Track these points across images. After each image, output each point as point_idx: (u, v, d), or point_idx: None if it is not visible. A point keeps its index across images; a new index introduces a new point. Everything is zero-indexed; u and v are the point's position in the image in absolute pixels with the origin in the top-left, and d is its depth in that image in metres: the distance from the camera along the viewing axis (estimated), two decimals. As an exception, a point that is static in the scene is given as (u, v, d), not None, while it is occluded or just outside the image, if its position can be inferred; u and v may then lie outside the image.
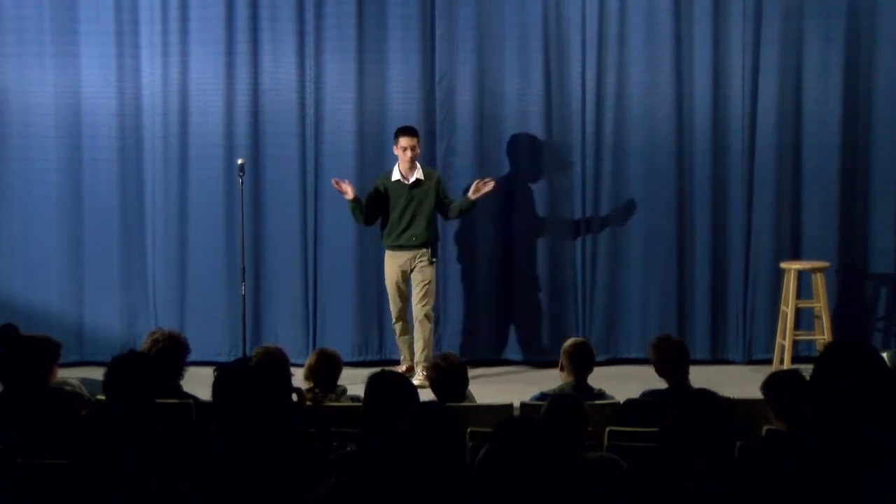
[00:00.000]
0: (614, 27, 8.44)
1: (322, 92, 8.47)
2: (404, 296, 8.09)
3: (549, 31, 8.46)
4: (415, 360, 8.01)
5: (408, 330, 8.12)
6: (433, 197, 7.98)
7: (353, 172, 8.47)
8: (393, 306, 8.10)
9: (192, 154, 8.49)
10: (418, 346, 7.98)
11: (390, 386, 4.05)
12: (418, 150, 7.97)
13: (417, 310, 7.99)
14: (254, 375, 3.90)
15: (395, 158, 8.47)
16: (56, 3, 8.36)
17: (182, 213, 8.52)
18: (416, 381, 7.80)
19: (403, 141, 7.91)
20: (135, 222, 8.55)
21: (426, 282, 7.99)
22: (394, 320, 8.14)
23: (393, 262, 8.05)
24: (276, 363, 5.14)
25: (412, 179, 7.96)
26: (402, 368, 8.00)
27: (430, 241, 8.03)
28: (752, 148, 8.51)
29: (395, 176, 7.98)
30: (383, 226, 8.08)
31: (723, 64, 8.46)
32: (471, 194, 7.95)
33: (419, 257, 7.99)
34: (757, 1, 8.40)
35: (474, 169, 8.27)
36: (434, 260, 8.07)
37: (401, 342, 8.14)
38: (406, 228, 7.97)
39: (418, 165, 7.99)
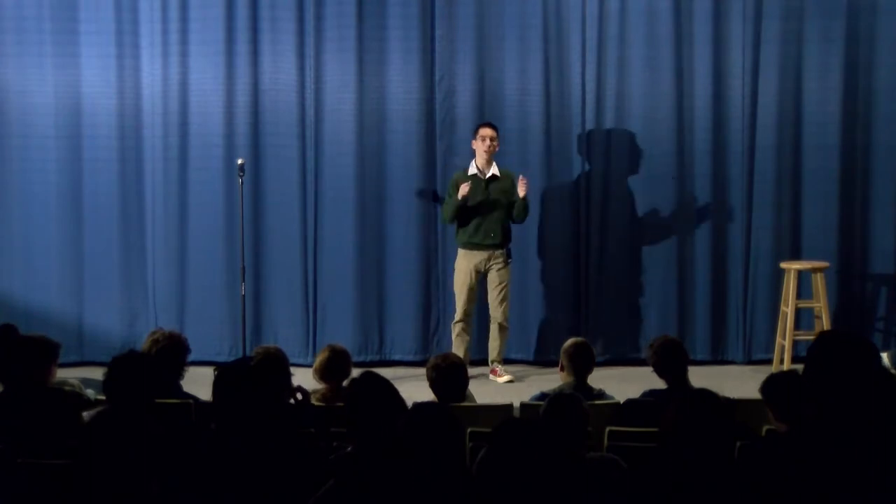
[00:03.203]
0: (614, 27, 8.45)
1: (322, 92, 8.47)
2: (475, 296, 8.05)
3: (549, 31, 8.46)
4: (490, 360, 8.05)
5: (468, 331, 8.06)
6: (508, 195, 7.94)
7: (353, 172, 8.49)
8: (461, 306, 8.01)
9: (192, 154, 8.49)
10: (495, 345, 8.03)
11: (375, 387, 4.00)
12: (497, 146, 7.96)
13: (497, 314, 7.99)
14: (254, 375, 3.90)
15: (394, 159, 8.52)
16: (56, 3, 8.36)
17: (182, 213, 8.52)
18: (501, 380, 7.83)
19: (484, 131, 7.91)
20: (135, 222, 8.55)
21: (503, 284, 7.98)
22: (457, 319, 8.05)
23: (467, 262, 7.99)
24: (276, 363, 5.14)
25: (489, 174, 7.94)
26: None
27: (505, 241, 8.01)
28: (752, 148, 8.52)
29: (472, 170, 7.96)
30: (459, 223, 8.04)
31: (723, 64, 8.46)
32: (519, 192, 7.88)
33: (495, 258, 7.97)
34: (757, 1, 8.41)
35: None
36: (510, 261, 8.05)
37: (458, 342, 8.01)
38: (481, 225, 7.94)
39: (494, 163, 7.98)
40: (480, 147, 7.92)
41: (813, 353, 3.52)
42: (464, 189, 7.82)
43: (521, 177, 7.91)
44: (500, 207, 7.95)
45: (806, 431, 3.54)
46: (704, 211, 8.57)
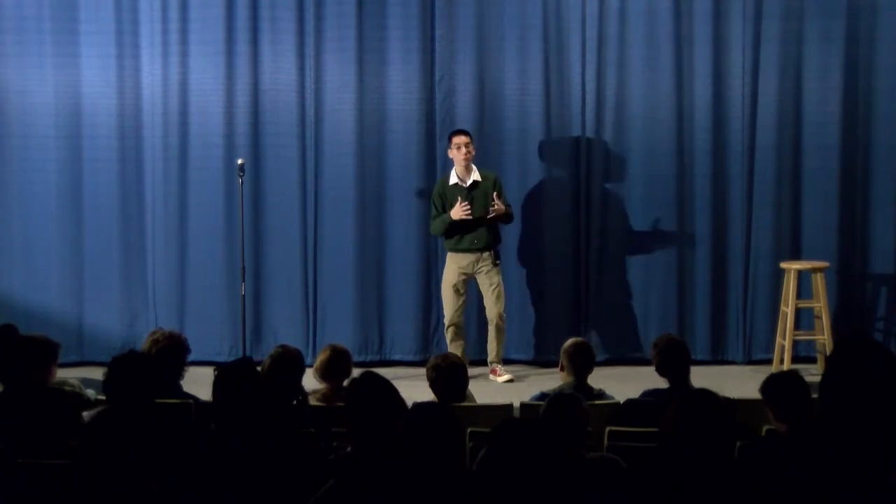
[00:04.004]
0: (614, 27, 8.45)
1: (322, 92, 8.47)
2: (461, 299, 8.03)
3: (549, 31, 8.46)
4: (489, 361, 8.06)
5: (460, 335, 8.05)
6: (491, 198, 7.91)
7: (353, 172, 8.49)
8: (447, 310, 8.01)
9: (192, 154, 8.49)
10: (493, 346, 8.03)
11: (375, 387, 3.99)
12: (473, 151, 7.94)
13: (493, 314, 7.99)
14: (254, 375, 3.90)
15: (394, 159, 8.53)
16: (56, 3, 8.36)
17: (182, 213, 8.52)
18: (501, 380, 7.83)
19: (457, 139, 7.89)
20: (135, 222, 8.55)
21: (495, 285, 7.97)
22: (446, 324, 8.03)
23: (454, 265, 7.99)
24: (289, 364, 5.13)
25: (469, 181, 7.93)
26: None
27: (492, 244, 7.99)
28: (752, 148, 8.52)
29: (453, 179, 7.95)
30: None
31: (723, 64, 8.46)
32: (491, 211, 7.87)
33: (482, 261, 7.95)
34: (757, 1, 8.41)
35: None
36: (498, 262, 8.03)
37: (452, 348, 7.95)
38: (466, 233, 7.92)
39: (474, 167, 7.97)
40: (458, 156, 7.90)
41: (834, 358, 3.51)
42: (459, 213, 7.79)
43: (494, 206, 7.85)
44: (483, 212, 7.92)
45: (806, 431, 3.54)
46: (704, 211, 8.56)
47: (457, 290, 8.00)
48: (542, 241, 8.59)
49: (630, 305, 8.62)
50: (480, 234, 7.93)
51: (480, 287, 8.06)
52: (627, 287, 8.61)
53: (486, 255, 7.96)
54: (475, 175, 7.95)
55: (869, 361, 3.40)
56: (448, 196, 7.94)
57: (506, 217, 8.02)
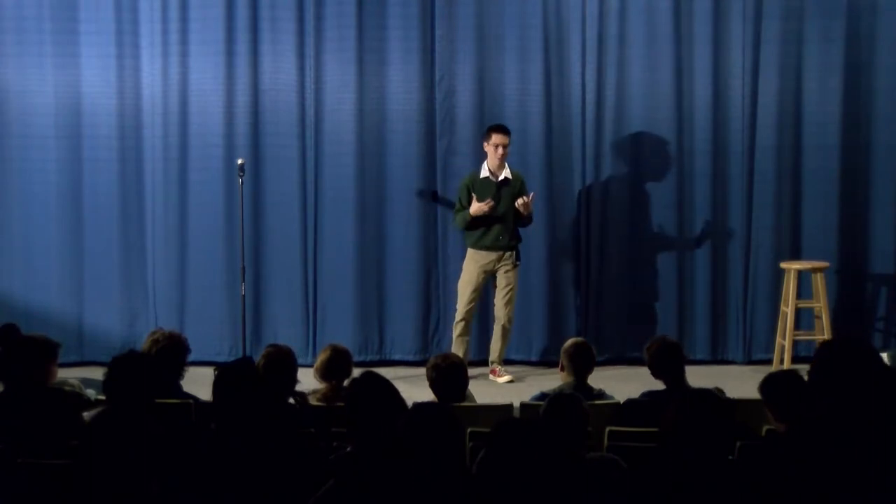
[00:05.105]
0: (614, 27, 8.45)
1: (322, 92, 8.47)
2: (478, 298, 8.04)
3: (549, 31, 8.46)
4: (490, 360, 8.07)
5: (469, 331, 8.05)
6: (518, 197, 7.90)
7: (353, 172, 8.49)
8: (463, 306, 7.99)
9: (192, 154, 8.49)
10: (497, 346, 8.03)
11: (375, 387, 3.98)
12: (508, 151, 7.94)
13: (502, 315, 7.99)
14: (254, 375, 3.90)
15: (394, 159, 8.52)
16: (56, 3, 8.36)
17: (182, 213, 8.51)
18: (501, 380, 7.83)
19: (497, 138, 7.88)
20: (135, 222, 8.55)
21: (511, 286, 7.97)
22: (458, 319, 8.02)
23: (475, 263, 7.97)
24: (283, 362, 5.13)
25: (501, 178, 7.93)
26: None
27: (515, 243, 8.00)
28: (752, 148, 8.52)
29: (484, 173, 7.94)
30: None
31: (723, 64, 8.47)
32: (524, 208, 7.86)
33: (504, 259, 7.95)
34: (757, 1, 8.42)
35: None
36: (518, 263, 8.03)
37: (458, 342, 7.97)
38: (491, 228, 7.91)
39: (507, 164, 7.97)
40: (493, 153, 7.90)
41: (819, 359, 3.52)
42: (482, 207, 7.77)
43: (531, 196, 7.88)
44: (510, 210, 7.93)
45: (806, 431, 3.54)
46: (704, 211, 8.56)
47: (476, 290, 8.00)
48: (542, 241, 8.59)
49: (630, 305, 8.62)
50: (506, 231, 7.93)
51: (497, 284, 8.05)
52: (628, 287, 8.61)
53: (508, 254, 7.96)
54: (507, 172, 7.95)
55: (853, 363, 3.41)
56: (477, 188, 7.91)
57: (528, 218, 8.00)
